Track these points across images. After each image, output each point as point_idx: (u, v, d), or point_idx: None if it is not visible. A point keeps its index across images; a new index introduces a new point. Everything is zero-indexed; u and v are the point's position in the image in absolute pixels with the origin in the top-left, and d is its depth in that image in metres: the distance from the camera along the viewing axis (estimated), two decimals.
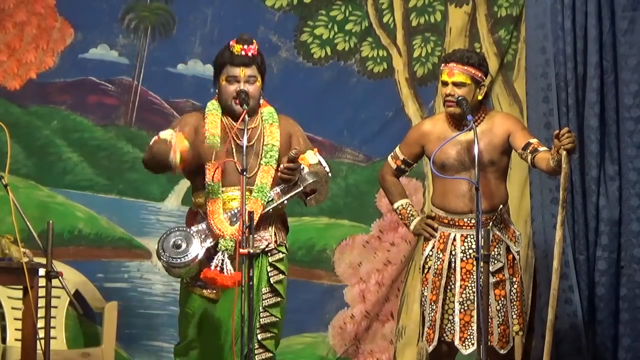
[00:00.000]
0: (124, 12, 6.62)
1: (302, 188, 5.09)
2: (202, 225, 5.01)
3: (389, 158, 5.70)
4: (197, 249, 4.93)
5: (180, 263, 4.91)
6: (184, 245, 4.92)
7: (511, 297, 5.48)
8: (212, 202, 5.00)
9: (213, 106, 5.15)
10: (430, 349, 5.47)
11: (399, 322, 6.97)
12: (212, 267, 4.93)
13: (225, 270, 4.92)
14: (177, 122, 5.20)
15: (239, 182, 4.92)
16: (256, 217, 4.92)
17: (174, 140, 4.96)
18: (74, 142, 6.57)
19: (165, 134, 5.01)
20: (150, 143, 5.09)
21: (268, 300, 5.08)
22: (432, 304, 5.46)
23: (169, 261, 4.91)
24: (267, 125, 5.15)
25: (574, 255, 6.63)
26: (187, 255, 4.91)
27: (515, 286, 5.50)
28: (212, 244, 4.99)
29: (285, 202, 5.11)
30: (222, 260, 4.95)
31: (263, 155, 5.08)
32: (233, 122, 5.08)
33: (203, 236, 4.98)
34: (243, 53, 5.09)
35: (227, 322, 5.00)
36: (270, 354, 5.08)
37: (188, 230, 4.98)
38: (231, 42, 5.13)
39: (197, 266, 4.99)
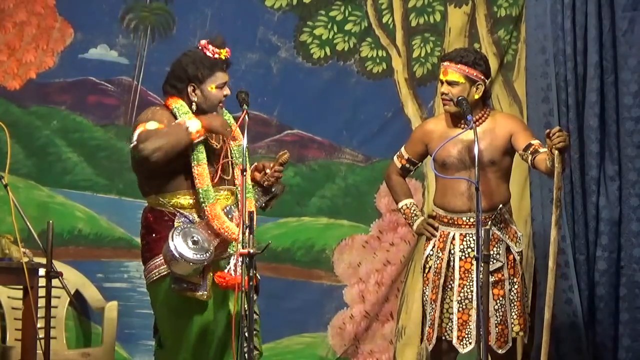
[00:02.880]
0: (123, 12, 6.62)
1: (276, 190, 5.10)
2: (197, 227, 4.86)
3: (395, 157, 5.71)
4: (211, 248, 4.82)
5: (201, 260, 4.74)
6: (205, 244, 4.77)
7: (511, 297, 5.47)
8: (212, 207, 4.85)
9: (181, 104, 4.91)
10: (430, 347, 5.49)
11: (398, 322, 6.97)
12: (230, 271, 4.83)
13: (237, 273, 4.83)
14: (151, 116, 4.85)
15: (224, 183, 4.92)
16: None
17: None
18: (74, 142, 6.57)
19: (152, 125, 4.79)
20: (145, 135, 4.72)
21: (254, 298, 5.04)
22: (432, 302, 5.47)
23: (195, 258, 4.72)
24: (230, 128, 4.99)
25: (574, 255, 6.63)
26: (207, 253, 4.76)
27: (516, 286, 5.49)
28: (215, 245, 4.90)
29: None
30: (235, 263, 4.83)
31: (239, 156, 4.93)
32: None
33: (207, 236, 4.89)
34: (229, 56, 4.93)
35: (218, 323, 4.95)
36: (258, 352, 5.06)
37: (197, 229, 4.83)
38: (211, 47, 4.88)
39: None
